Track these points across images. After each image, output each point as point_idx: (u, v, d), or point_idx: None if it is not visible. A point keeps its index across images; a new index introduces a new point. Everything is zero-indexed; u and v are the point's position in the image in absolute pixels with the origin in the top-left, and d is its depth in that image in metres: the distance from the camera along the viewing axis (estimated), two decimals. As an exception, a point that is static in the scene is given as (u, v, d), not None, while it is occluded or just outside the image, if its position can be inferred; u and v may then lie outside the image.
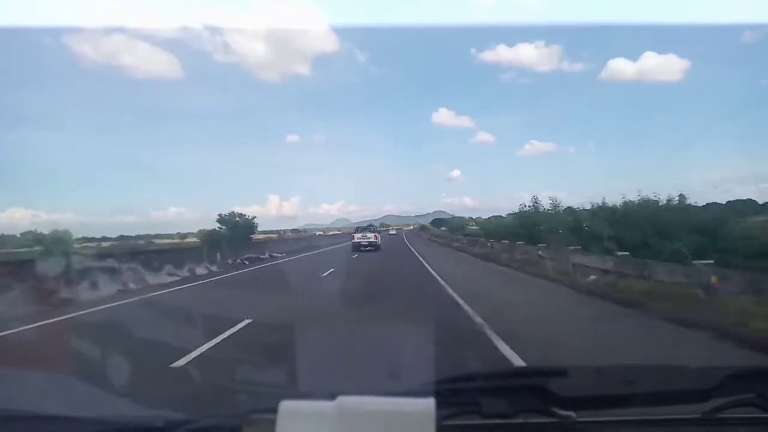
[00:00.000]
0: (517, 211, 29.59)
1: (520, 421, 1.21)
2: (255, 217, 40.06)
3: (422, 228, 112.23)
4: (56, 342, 6.68)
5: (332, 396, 0.96)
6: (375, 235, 34.23)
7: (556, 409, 1.20)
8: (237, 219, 38.93)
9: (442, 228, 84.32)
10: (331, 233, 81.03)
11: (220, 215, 38.42)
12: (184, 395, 4.06)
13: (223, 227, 38.03)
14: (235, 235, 36.80)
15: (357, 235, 34.33)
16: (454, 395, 1.17)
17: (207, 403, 3.67)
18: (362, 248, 31.79)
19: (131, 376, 4.32)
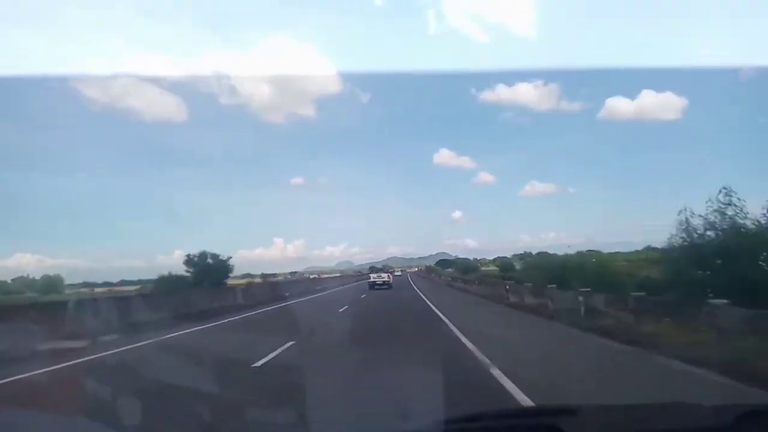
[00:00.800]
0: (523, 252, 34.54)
1: None
2: (230, 257, 35.62)
3: (429, 269, 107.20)
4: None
5: None
6: (388, 275, 39.67)
7: None
8: (209, 261, 33.66)
9: (449, 269, 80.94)
10: (327, 276, 74.72)
11: (188, 256, 33.15)
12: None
13: (191, 270, 32.68)
14: (202, 279, 31.52)
15: (373, 275, 39.48)
16: None
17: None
18: (377, 287, 35.84)
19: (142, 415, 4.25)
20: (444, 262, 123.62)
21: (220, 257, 34.87)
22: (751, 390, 5.40)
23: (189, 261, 32.99)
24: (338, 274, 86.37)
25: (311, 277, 72.10)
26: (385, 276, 38.68)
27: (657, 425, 1.25)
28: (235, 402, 4.87)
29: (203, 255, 33.88)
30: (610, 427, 1.26)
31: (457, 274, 53.88)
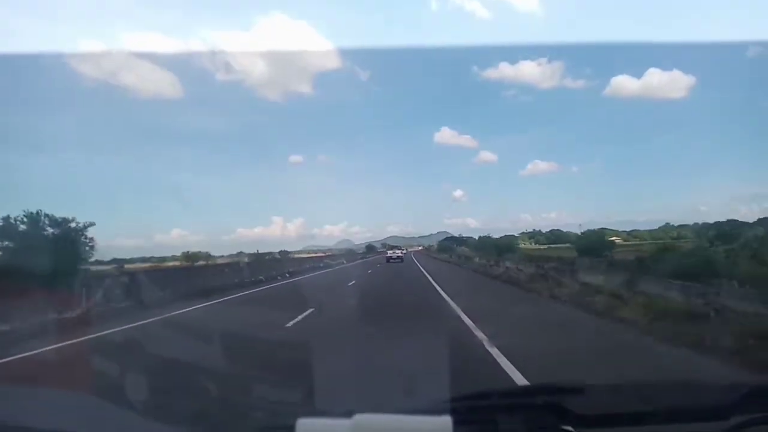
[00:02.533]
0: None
1: None
2: (90, 225, 17.85)
3: (441, 248, 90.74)
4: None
5: (349, 413, 0.97)
6: (401, 251, 57.30)
7: (572, 428, 1.19)
8: (47, 229, 17.45)
9: (462, 248, 69.43)
10: (312, 255, 63.47)
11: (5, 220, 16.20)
12: (202, 412, 4.07)
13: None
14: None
15: (389, 252, 55.28)
16: (471, 413, 1.16)
17: (224, 420, 3.67)
18: (391, 260, 47.64)
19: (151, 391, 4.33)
20: (452, 240, 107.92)
21: (72, 224, 18.27)
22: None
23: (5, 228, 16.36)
24: (323, 254, 71.82)
25: (290, 256, 61.63)
26: (399, 251, 54.96)
27: (665, 403, 1.25)
28: (242, 378, 4.95)
29: (33, 218, 17.47)
30: (617, 405, 1.27)
31: (471, 254, 41.96)
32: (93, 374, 5.83)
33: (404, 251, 74.72)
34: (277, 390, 4.18)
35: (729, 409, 1.21)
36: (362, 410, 0.96)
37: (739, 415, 1.22)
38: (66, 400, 2.15)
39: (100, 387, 4.79)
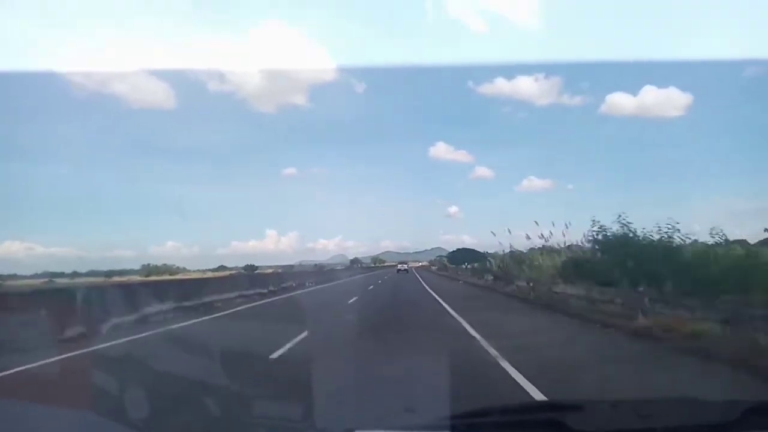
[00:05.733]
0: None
1: None
2: None
3: (447, 266, 73.81)
4: None
5: (349, 431, 0.98)
6: (408, 266, 78.26)
7: None
8: None
9: (467, 265, 58.61)
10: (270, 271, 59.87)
11: None
12: (204, 428, 4.04)
13: None
14: None
15: (399, 265, 77.58)
16: (470, 430, 1.17)
17: None
18: (399, 271, 65.09)
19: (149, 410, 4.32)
20: (463, 253, 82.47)
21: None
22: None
23: None
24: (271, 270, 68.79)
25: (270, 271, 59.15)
26: (405, 266, 74.93)
27: (664, 421, 1.25)
28: (242, 394, 4.92)
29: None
30: (617, 422, 1.27)
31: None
32: (91, 390, 5.79)
33: (405, 267, 77.79)
34: (278, 407, 4.15)
35: (729, 427, 1.22)
36: (364, 428, 0.96)
37: (742, 430, 1.22)
38: (67, 417, 2.15)
39: (100, 404, 4.77)
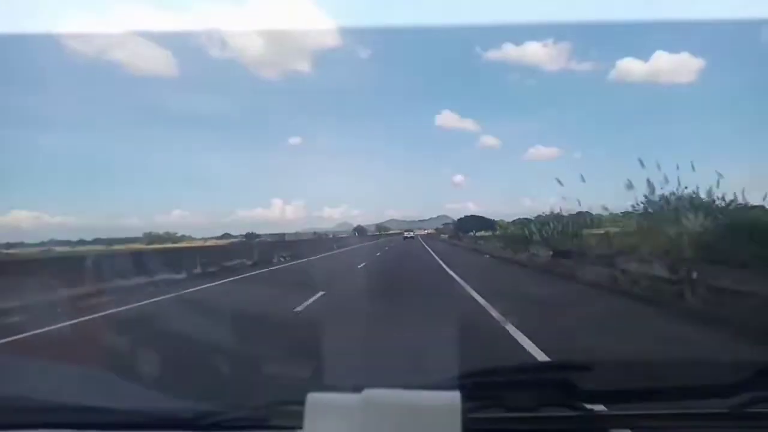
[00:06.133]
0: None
1: (544, 414, 1.21)
2: None
3: (459, 235, 60.77)
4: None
5: (358, 389, 0.98)
6: (414, 234, 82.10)
7: (580, 403, 1.20)
8: None
9: (474, 233, 54.18)
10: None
11: None
12: (213, 387, 4.15)
13: None
14: None
15: (405, 233, 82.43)
16: (479, 389, 1.17)
17: (235, 394, 3.74)
18: (405, 239, 69.87)
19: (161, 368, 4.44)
20: (471, 221, 77.34)
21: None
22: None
23: None
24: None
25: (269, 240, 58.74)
26: (411, 234, 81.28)
27: (674, 381, 1.25)
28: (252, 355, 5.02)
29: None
30: (625, 383, 1.27)
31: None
32: (106, 350, 5.98)
33: (411, 234, 79.32)
34: (287, 367, 4.24)
35: (738, 387, 1.21)
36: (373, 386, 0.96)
37: (748, 392, 1.22)
38: (79, 374, 2.19)
39: (113, 362, 4.90)
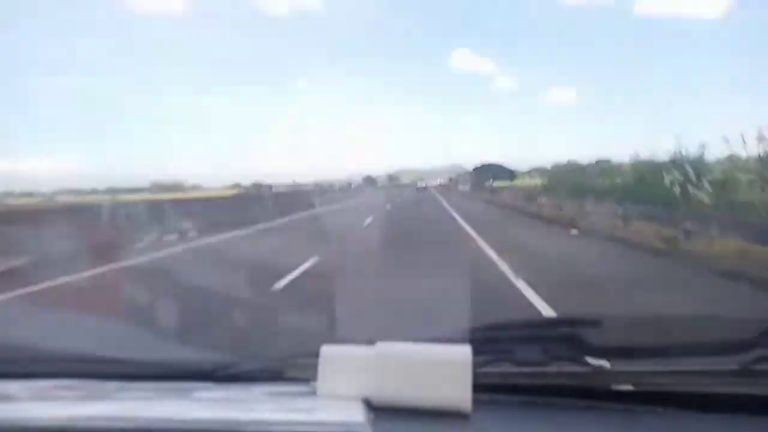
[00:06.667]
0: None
1: (553, 369, 1.22)
2: None
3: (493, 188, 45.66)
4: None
5: (371, 341, 1.00)
6: (426, 185, 78.88)
7: (588, 358, 1.21)
8: None
9: (492, 182, 48.45)
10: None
11: None
12: (229, 339, 4.28)
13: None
14: None
15: (418, 183, 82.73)
16: (489, 343, 1.19)
17: (250, 346, 3.86)
18: (419, 190, 65.68)
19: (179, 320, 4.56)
20: (488, 169, 68.78)
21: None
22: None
23: None
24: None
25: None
26: (423, 185, 79.48)
27: (683, 337, 1.26)
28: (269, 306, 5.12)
29: None
30: (634, 338, 1.28)
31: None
32: (124, 301, 6.15)
33: (424, 185, 78.49)
34: (301, 319, 4.33)
35: (748, 344, 1.21)
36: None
37: (760, 348, 1.22)
38: (97, 325, 2.27)
39: (130, 313, 5.04)
